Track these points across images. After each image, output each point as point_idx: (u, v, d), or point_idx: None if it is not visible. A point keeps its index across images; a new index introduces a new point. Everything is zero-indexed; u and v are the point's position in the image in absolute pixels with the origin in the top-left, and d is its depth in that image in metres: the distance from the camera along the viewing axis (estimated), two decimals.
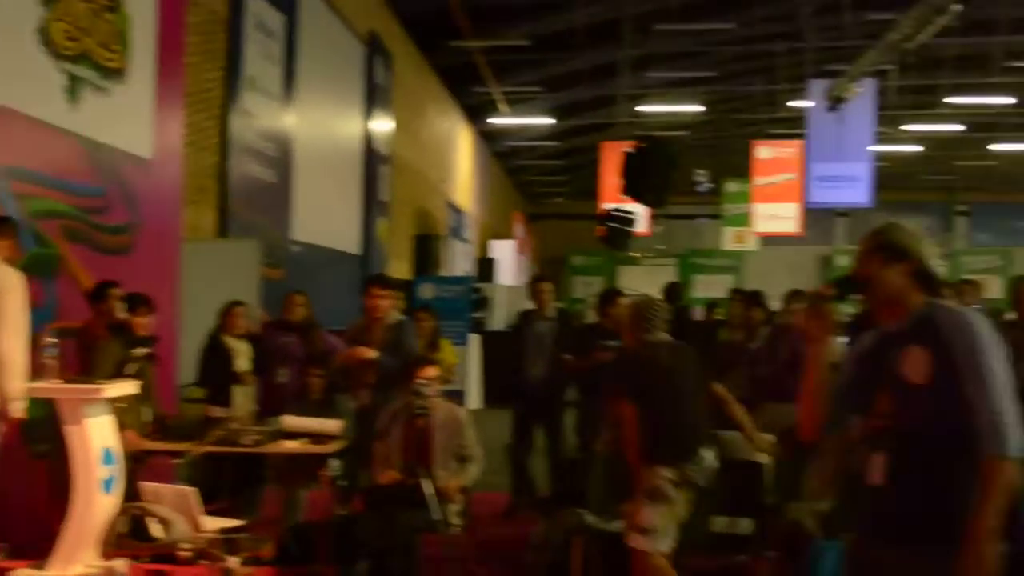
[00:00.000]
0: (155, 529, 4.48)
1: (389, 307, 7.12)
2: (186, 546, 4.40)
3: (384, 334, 6.98)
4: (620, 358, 5.83)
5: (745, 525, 6.00)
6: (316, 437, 6.31)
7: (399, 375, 6.44)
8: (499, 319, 19.27)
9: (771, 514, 5.95)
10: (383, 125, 16.91)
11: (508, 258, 28.59)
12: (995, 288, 14.25)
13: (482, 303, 18.85)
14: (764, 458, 6.23)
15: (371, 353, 6.86)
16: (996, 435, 2.79)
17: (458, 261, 24.15)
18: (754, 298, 8.61)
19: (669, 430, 5.24)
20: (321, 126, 14.10)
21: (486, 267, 24.35)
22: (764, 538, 5.67)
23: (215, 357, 7.52)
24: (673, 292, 8.86)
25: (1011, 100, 24.51)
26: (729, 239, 27.40)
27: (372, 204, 16.28)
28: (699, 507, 5.78)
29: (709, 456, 5.32)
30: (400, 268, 17.63)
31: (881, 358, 3.08)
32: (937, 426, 2.90)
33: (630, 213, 13.81)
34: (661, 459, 5.23)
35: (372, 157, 16.31)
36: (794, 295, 7.35)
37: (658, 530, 5.09)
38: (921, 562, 2.92)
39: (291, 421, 6.44)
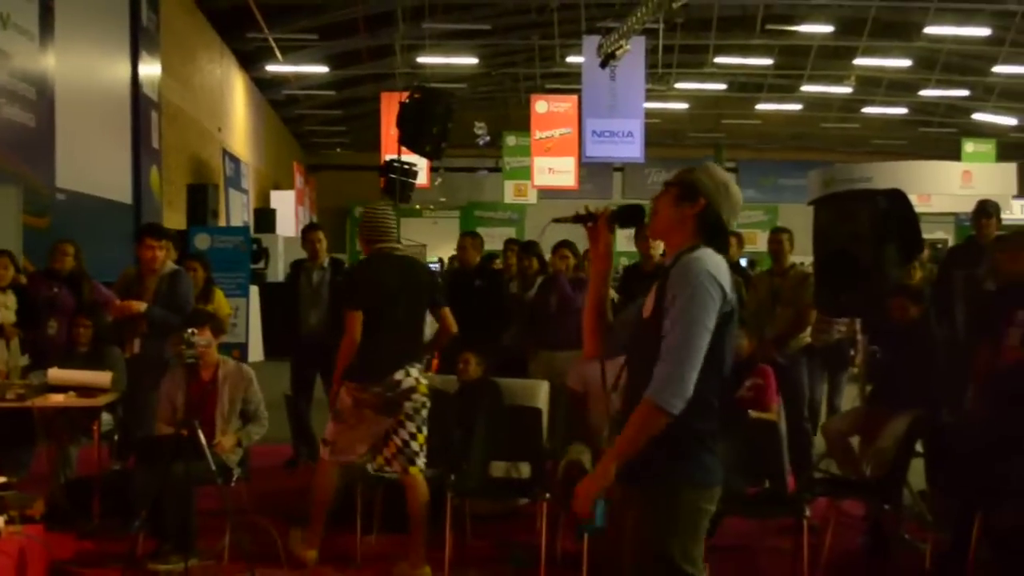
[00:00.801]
0: None
1: (164, 257, 6.98)
2: None
3: (158, 285, 6.87)
4: (353, 269, 5.85)
5: (524, 469, 6.19)
6: (85, 390, 6.12)
7: (174, 326, 6.32)
8: (279, 270, 18.97)
9: (549, 458, 6.16)
10: (151, 69, 16.21)
11: (288, 209, 28.07)
12: (760, 242, 15.08)
13: (261, 254, 18.49)
14: (542, 404, 6.43)
15: (140, 306, 6.76)
16: (662, 384, 2.89)
17: (236, 211, 23.52)
18: (529, 248, 8.69)
19: (366, 348, 5.35)
20: (84, 69, 13.41)
21: (265, 218, 23.85)
22: (542, 481, 5.84)
23: None
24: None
25: (770, 61, 25.88)
26: (510, 192, 27.66)
27: (142, 152, 15.63)
28: (476, 453, 5.96)
29: (406, 378, 5.40)
30: (174, 218, 17.05)
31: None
32: (652, 360, 2.95)
33: (411, 165, 13.77)
34: (350, 376, 5.39)
35: (140, 103, 15.59)
36: (561, 245, 7.43)
37: (336, 443, 5.48)
38: (635, 499, 3.04)
39: (57, 374, 6.22)
